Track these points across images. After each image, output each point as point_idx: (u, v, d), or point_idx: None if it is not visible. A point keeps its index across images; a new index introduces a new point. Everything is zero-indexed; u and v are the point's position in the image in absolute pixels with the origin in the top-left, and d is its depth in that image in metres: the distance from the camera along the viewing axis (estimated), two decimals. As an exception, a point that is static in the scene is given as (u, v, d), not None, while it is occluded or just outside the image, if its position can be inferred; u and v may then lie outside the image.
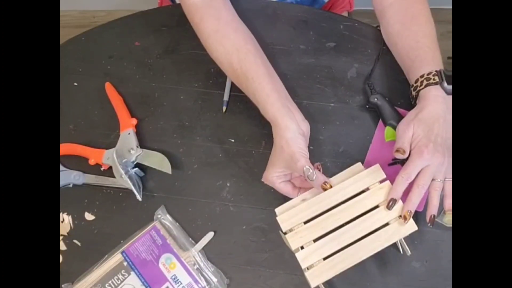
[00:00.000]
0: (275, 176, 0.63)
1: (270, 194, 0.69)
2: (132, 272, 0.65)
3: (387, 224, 0.60)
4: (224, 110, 0.74)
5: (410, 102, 0.71)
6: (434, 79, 0.64)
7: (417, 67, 0.67)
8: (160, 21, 0.80)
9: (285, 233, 0.61)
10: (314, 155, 0.71)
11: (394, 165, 0.68)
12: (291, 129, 0.62)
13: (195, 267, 0.65)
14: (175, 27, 0.80)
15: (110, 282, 0.65)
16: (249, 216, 0.68)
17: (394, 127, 0.68)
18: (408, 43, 0.69)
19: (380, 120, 0.71)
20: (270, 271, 0.66)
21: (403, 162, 0.67)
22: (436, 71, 0.64)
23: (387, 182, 0.62)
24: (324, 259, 0.59)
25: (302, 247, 0.60)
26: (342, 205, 0.61)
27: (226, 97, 0.74)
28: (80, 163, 0.71)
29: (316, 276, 0.58)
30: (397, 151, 0.62)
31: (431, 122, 0.61)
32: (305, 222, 0.61)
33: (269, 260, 0.66)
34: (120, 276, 0.65)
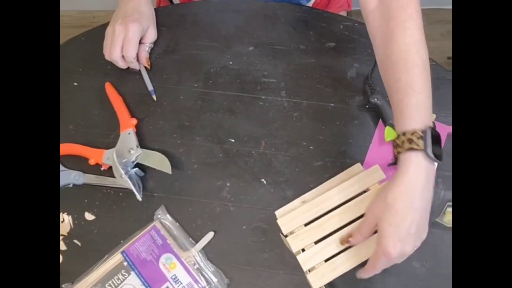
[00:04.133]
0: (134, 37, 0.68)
1: (270, 194, 0.69)
2: (132, 272, 0.65)
3: None
4: (155, 98, 0.75)
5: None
6: (417, 144, 0.52)
7: (399, 118, 0.55)
8: (160, 21, 0.80)
9: (285, 236, 0.61)
10: (314, 155, 0.71)
11: (394, 165, 0.68)
12: None
13: (195, 267, 0.65)
14: (174, 27, 0.80)
15: (110, 282, 0.65)
16: (249, 216, 0.68)
17: (394, 127, 0.68)
18: (389, 78, 0.57)
19: (380, 120, 0.71)
20: (270, 271, 0.66)
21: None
22: (421, 132, 0.52)
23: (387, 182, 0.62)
24: (326, 261, 0.59)
25: (303, 250, 0.60)
26: (343, 206, 0.61)
27: (150, 87, 0.75)
28: (80, 163, 0.71)
29: (318, 278, 0.58)
30: (350, 236, 0.58)
31: (405, 211, 0.52)
32: (306, 224, 0.61)
33: (269, 260, 0.66)
34: (120, 276, 0.65)
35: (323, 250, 0.59)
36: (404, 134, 0.53)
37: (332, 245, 0.59)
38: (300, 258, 0.59)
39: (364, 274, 0.57)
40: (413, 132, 0.53)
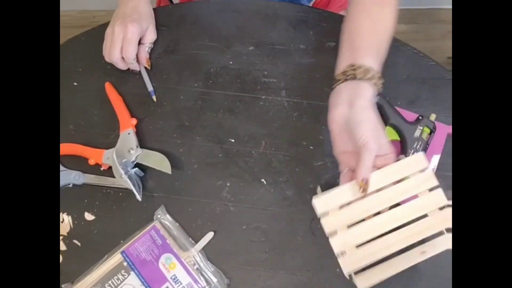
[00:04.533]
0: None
1: (270, 194, 0.69)
2: (132, 272, 0.65)
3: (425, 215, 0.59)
4: (155, 99, 0.75)
5: (409, 102, 0.71)
6: (380, 81, 0.60)
7: (375, 55, 0.62)
8: (160, 21, 0.80)
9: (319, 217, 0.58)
10: (315, 155, 0.71)
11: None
12: None
13: (195, 267, 0.65)
14: (174, 27, 0.80)
15: (110, 282, 0.65)
16: (249, 216, 0.68)
17: (394, 127, 0.68)
18: (365, 23, 0.64)
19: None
20: (270, 271, 0.66)
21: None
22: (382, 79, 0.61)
23: (429, 170, 0.60)
24: (358, 247, 0.58)
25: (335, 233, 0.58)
26: (378, 194, 0.59)
27: (150, 88, 0.75)
28: (80, 163, 0.71)
29: (351, 263, 0.57)
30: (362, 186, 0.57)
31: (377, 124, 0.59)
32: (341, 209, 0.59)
33: (269, 260, 0.66)
34: (120, 276, 0.65)
35: (355, 234, 0.57)
36: (373, 70, 0.60)
37: (364, 230, 0.58)
38: (332, 240, 0.57)
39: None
40: (380, 75, 0.61)
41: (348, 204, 0.59)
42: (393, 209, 0.59)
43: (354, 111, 0.58)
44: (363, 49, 0.62)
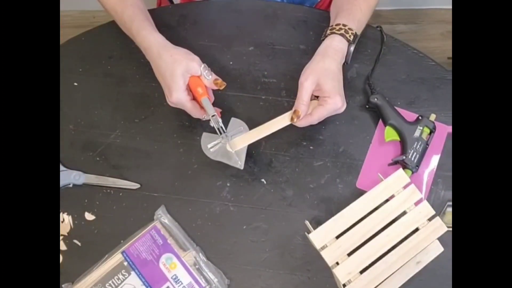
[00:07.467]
0: (182, 95, 0.65)
1: (270, 194, 0.69)
2: (133, 272, 0.65)
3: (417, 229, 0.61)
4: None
5: (409, 102, 0.71)
6: (350, 35, 0.69)
7: (344, 16, 0.71)
8: (160, 21, 0.80)
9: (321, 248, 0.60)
10: (314, 155, 0.71)
11: (395, 164, 0.68)
12: (157, 40, 0.67)
13: (195, 267, 0.65)
14: (175, 27, 0.80)
15: (110, 282, 0.65)
16: (249, 216, 0.68)
17: (394, 127, 0.68)
18: None
19: (380, 120, 0.71)
20: (270, 271, 0.66)
21: (403, 162, 0.67)
22: (356, 33, 0.70)
23: (412, 185, 0.62)
24: (361, 272, 0.59)
25: (337, 263, 0.60)
26: (370, 216, 0.61)
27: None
28: (80, 163, 0.71)
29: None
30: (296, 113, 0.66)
31: (338, 73, 0.68)
32: (337, 237, 0.61)
33: (269, 260, 0.66)
34: (120, 276, 0.65)
35: (357, 261, 0.59)
36: (344, 25, 0.69)
37: (364, 256, 0.60)
38: (336, 271, 0.59)
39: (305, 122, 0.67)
40: (351, 28, 0.69)
41: (343, 232, 0.61)
42: (387, 229, 0.61)
43: (312, 58, 0.69)
44: (338, 14, 0.71)
